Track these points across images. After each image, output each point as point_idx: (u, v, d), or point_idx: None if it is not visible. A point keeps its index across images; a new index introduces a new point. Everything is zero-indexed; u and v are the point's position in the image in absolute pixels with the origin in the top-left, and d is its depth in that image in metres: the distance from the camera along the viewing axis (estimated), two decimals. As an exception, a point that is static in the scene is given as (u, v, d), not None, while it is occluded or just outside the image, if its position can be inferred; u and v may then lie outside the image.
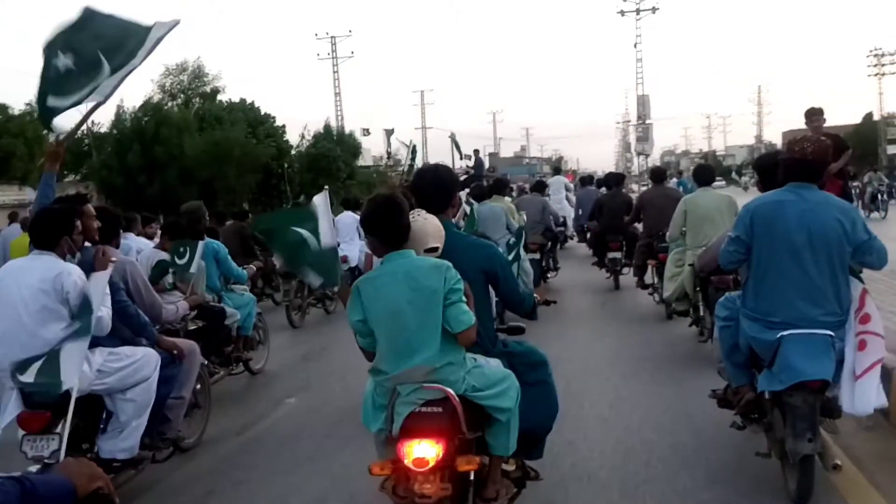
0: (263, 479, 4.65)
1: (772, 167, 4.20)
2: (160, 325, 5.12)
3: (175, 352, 4.63)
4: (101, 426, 4.19)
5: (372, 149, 42.91)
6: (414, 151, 16.91)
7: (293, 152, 34.76)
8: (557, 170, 28.32)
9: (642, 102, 51.03)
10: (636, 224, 10.29)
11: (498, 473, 3.19)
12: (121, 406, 4.17)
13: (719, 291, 6.42)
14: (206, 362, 5.34)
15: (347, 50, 70.24)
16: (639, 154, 55.40)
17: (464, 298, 2.91)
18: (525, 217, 10.31)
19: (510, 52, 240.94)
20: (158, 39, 4.63)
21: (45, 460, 3.81)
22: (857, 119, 72.67)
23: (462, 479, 3.01)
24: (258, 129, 31.25)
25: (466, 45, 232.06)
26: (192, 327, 5.99)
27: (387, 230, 2.98)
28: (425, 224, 3.13)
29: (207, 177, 25.07)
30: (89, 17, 4.73)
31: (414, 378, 2.87)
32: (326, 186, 7.44)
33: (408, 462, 2.81)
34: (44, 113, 4.82)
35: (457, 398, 2.87)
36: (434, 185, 3.47)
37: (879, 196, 22.96)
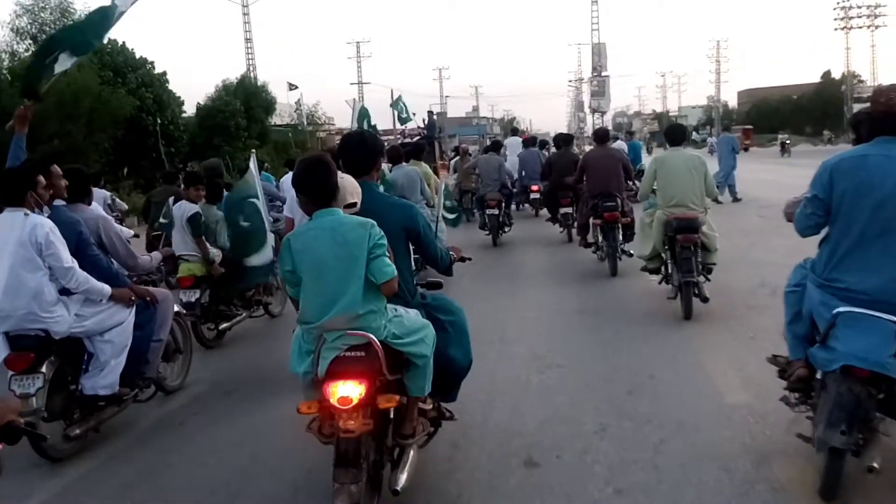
0: (254, 409, 5.08)
1: None
2: (136, 274, 5.51)
3: (148, 298, 4.94)
4: (84, 366, 4.53)
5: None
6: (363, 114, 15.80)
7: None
8: (515, 130, 28.32)
9: (598, 52, 45.87)
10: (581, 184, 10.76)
11: (415, 412, 3.39)
12: (99, 347, 4.52)
13: (685, 249, 6.51)
14: (182, 311, 5.73)
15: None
16: (594, 111, 53.95)
17: (387, 253, 3.09)
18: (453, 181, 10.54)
19: (455, 4, 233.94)
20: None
21: (32, 396, 4.20)
22: (818, 78, 69.61)
23: (383, 417, 3.22)
24: (129, 76, 24.97)
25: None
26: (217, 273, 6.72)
27: (317, 189, 3.13)
28: (343, 182, 3.30)
29: (51, 134, 20.20)
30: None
31: (339, 325, 3.02)
32: (253, 151, 7.35)
33: (333, 401, 2.97)
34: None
35: (378, 343, 3.05)
36: (359, 150, 3.66)
37: None
